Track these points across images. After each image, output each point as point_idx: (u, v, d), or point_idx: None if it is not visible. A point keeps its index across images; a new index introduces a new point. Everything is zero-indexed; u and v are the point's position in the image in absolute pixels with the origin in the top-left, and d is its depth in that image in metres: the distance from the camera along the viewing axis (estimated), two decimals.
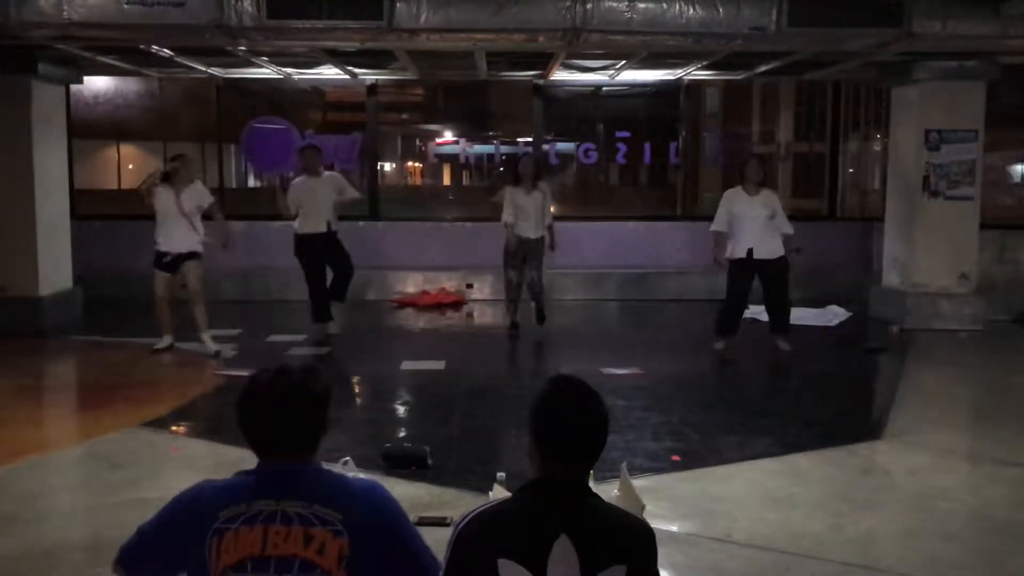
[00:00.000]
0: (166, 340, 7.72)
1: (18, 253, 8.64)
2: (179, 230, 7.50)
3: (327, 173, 8.53)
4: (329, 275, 8.39)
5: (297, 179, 8.53)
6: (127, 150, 14.36)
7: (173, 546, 1.98)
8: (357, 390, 7.04)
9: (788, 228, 7.34)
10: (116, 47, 8.24)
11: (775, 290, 7.40)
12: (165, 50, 8.31)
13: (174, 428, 5.59)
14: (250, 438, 2.08)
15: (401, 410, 6.31)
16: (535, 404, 2.07)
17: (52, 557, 3.71)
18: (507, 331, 8.63)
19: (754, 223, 7.24)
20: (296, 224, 8.30)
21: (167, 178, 7.54)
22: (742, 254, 7.28)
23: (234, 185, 13.92)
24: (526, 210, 8.32)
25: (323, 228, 8.20)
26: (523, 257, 8.42)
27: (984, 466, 5.04)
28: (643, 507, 3.55)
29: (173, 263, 7.54)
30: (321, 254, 8.29)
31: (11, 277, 8.63)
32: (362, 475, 3.87)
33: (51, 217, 8.95)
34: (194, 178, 7.80)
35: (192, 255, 7.57)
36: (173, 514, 2.03)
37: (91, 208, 11.15)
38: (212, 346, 7.60)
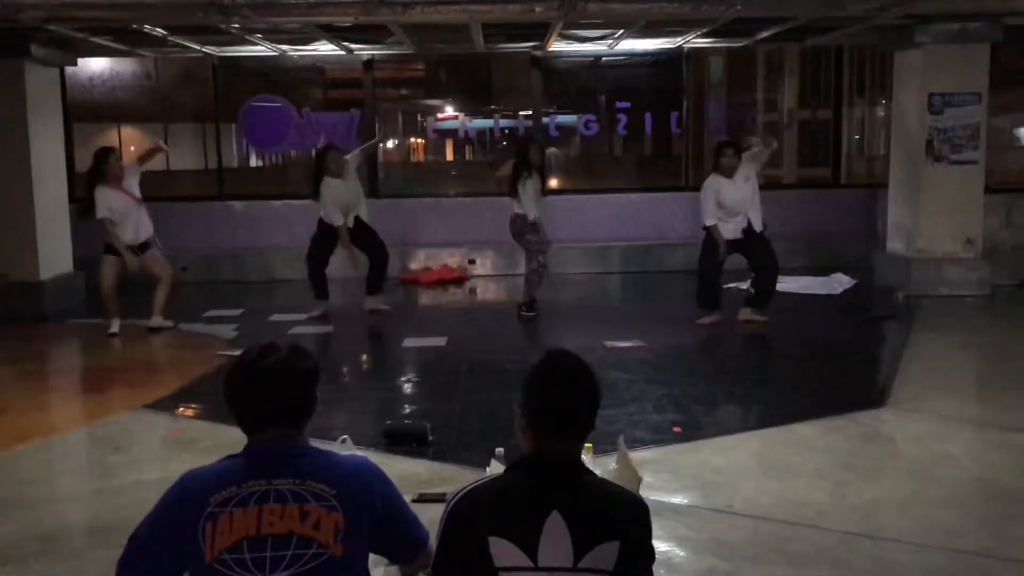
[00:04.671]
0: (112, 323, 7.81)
1: (18, 238, 8.62)
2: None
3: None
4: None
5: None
6: (128, 132, 14.29)
7: (169, 544, 1.96)
8: (358, 367, 7.04)
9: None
10: (109, 27, 8.16)
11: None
12: (158, 29, 8.23)
13: (176, 410, 5.58)
14: (236, 414, 2.09)
15: (402, 387, 6.29)
16: (526, 379, 2.05)
17: (52, 540, 3.70)
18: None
19: None
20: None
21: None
22: None
23: (235, 165, 13.84)
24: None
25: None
26: None
27: (989, 433, 5.00)
28: (640, 480, 3.52)
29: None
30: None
31: (12, 262, 8.61)
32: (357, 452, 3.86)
33: (49, 201, 8.92)
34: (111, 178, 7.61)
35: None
36: (163, 512, 2.01)
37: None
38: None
